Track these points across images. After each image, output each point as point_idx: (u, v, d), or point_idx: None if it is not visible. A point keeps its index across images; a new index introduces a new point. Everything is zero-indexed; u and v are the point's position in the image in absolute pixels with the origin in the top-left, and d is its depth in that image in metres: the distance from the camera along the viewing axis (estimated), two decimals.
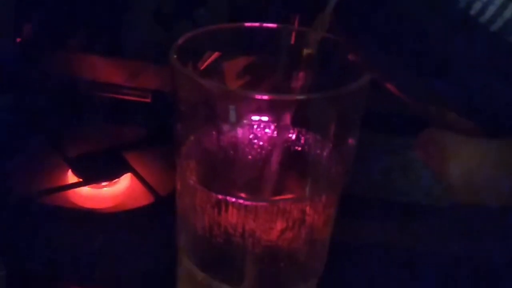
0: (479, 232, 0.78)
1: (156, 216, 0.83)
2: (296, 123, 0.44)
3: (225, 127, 0.44)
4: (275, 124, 0.44)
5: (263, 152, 0.45)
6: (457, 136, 0.35)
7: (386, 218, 0.81)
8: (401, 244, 0.79)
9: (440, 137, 0.36)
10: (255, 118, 0.45)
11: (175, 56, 0.41)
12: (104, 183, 0.88)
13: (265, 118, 0.45)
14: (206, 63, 0.45)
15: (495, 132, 0.34)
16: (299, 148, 0.45)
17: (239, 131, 0.44)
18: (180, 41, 0.43)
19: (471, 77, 0.33)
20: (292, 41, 0.45)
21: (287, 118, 0.42)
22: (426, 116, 0.37)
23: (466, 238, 0.79)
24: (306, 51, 0.41)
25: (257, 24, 0.46)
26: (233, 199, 0.41)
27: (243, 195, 0.41)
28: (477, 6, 0.30)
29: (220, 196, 0.41)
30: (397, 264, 0.77)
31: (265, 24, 0.46)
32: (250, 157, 0.45)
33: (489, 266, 0.76)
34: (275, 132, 0.44)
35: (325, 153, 0.44)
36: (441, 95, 0.35)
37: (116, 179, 0.88)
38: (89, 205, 0.86)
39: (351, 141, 0.43)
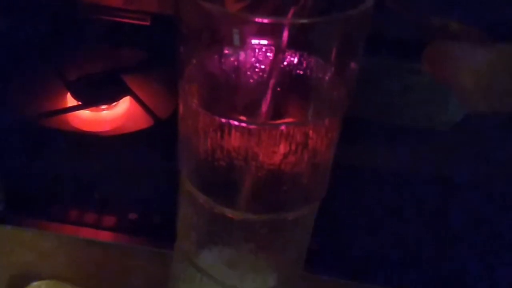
0: (479, 156, 0.79)
1: (156, 139, 0.83)
2: (298, 46, 0.44)
3: (227, 51, 0.44)
4: (276, 47, 0.43)
5: (266, 75, 0.44)
6: (465, 45, 0.35)
7: (388, 142, 0.81)
8: (402, 167, 0.80)
9: (448, 47, 0.36)
10: (257, 41, 0.44)
11: None
12: (103, 106, 0.88)
13: (265, 42, 0.44)
14: None
15: (501, 38, 0.34)
16: (301, 72, 0.45)
17: (242, 55, 0.44)
18: None
19: None
20: None
21: (288, 42, 0.42)
22: (430, 30, 0.37)
23: (467, 161, 0.79)
24: None
25: None
26: (236, 123, 0.41)
27: (246, 118, 0.41)
28: None
29: (223, 120, 0.41)
30: (399, 187, 0.77)
31: None
32: (252, 80, 0.44)
33: (489, 190, 0.77)
34: (277, 56, 0.44)
35: (327, 77, 0.44)
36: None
37: (115, 102, 0.88)
38: (88, 128, 0.86)
39: (353, 65, 0.43)
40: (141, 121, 0.86)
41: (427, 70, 0.37)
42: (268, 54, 0.45)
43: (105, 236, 0.74)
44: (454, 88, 0.35)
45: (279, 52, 0.43)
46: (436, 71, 0.37)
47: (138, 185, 0.78)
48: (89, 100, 0.88)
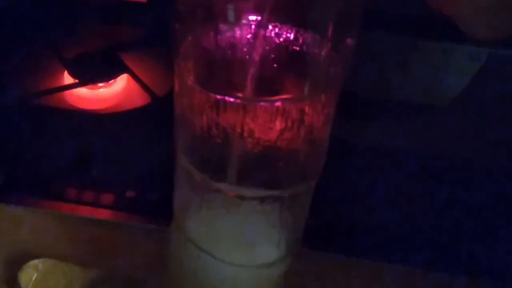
0: (476, 130, 0.79)
1: (153, 117, 0.83)
2: (294, 22, 0.43)
3: (223, 27, 0.44)
4: (271, 23, 0.43)
5: (261, 51, 0.44)
6: None
7: (384, 118, 0.81)
8: (398, 143, 0.80)
9: None
10: (253, 17, 0.44)
11: None
12: (100, 84, 0.87)
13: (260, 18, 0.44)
14: None
15: None
16: (298, 48, 0.44)
17: (237, 31, 0.44)
18: None
19: None
20: None
21: (282, 17, 0.42)
22: None
23: (462, 136, 0.79)
24: None
25: None
26: (232, 99, 0.41)
27: (241, 95, 0.41)
28: None
29: (218, 96, 0.41)
30: (394, 164, 0.77)
31: None
32: (248, 57, 0.44)
33: (484, 165, 0.77)
34: (272, 32, 0.44)
35: (323, 53, 0.44)
36: None
37: (113, 80, 0.88)
38: (85, 106, 0.86)
39: (349, 40, 0.43)
40: (138, 99, 0.86)
41: (430, 4, 0.37)
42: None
43: (102, 214, 0.74)
44: (455, 17, 0.35)
45: (261, 26, 0.42)
46: (438, 4, 0.37)
47: (135, 163, 0.78)
48: (86, 78, 0.87)
